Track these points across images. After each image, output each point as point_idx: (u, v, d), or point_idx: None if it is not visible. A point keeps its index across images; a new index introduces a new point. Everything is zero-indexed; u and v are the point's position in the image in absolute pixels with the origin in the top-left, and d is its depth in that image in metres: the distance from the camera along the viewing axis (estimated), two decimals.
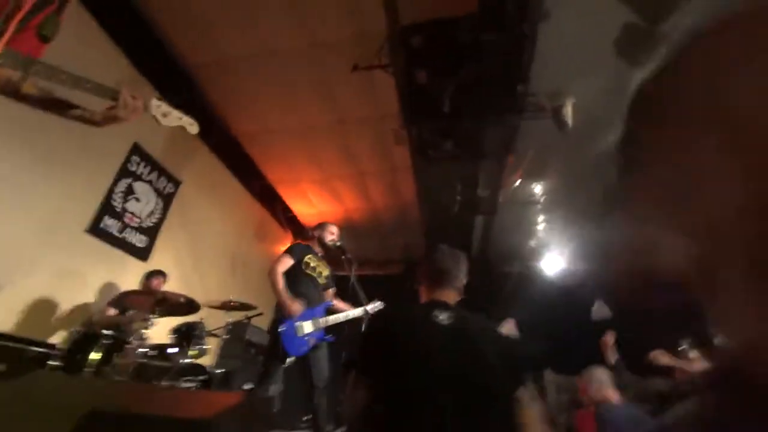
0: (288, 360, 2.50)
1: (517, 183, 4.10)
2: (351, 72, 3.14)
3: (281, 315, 2.56)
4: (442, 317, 1.19)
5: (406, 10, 2.77)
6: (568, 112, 2.78)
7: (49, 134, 2.67)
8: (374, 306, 2.80)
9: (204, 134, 4.06)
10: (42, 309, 2.70)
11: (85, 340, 2.36)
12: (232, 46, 3.32)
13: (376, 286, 3.32)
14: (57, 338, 2.65)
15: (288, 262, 2.68)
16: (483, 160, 3.63)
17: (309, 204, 5.60)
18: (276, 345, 2.51)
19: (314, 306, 2.69)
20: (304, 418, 3.91)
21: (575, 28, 2.61)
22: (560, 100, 2.76)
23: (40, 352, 2.26)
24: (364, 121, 3.98)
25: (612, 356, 2.86)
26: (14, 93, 1.25)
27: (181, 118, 1.49)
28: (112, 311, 2.67)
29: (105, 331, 2.35)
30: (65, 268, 2.86)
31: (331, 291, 3.00)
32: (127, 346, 2.42)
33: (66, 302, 2.86)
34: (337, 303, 2.91)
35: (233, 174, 4.83)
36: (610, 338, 2.99)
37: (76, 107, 1.31)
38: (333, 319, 2.69)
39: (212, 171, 4.52)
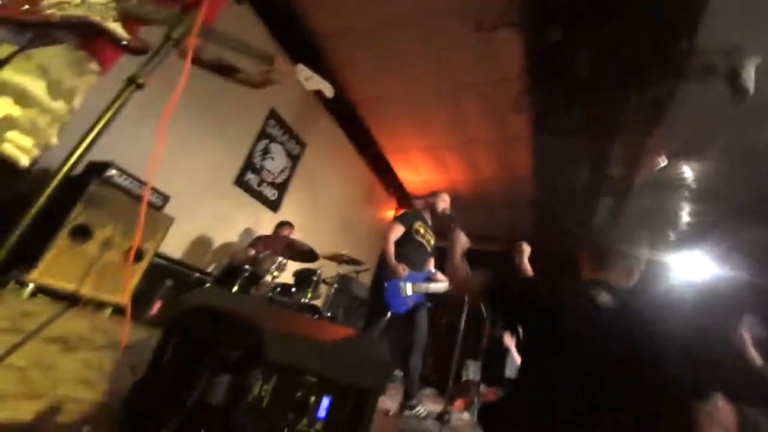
0: (389, 315, 2.68)
1: (663, 163, 3.47)
2: (474, 32, 2.96)
3: (383, 275, 2.72)
4: (604, 298, 1.11)
5: None
6: (750, 74, 2.20)
7: (211, 101, 3.19)
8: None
9: (327, 102, 4.41)
10: (201, 243, 3.37)
11: (230, 272, 2.89)
12: (358, 17, 3.44)
13: (478, 261, 3.26)
14: (210, 267, 3.29)
15: (400, 230, 2.81)
16: (620, 134, 3.15)
17: (415, 171, 5.68)
18: (379, 299, 2.69)
19: (419, 270, 2.79)
20: (396, 373, 4.20)
21: None
22: (739, 59, 2.19)
23: (199, 277, 2.85)
24: (482, 87, 3.78)
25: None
26: (197, 60, 1.51)
27: (321, 82, 1.63)
28: (252, 251, 3.18)
29: (246, 266, 2.83)
30: (219, 212, 3.48)
31: (431, 260, 3.07)
32: (261, 281, 2.88)
33: (218, 239, 3.51)
34: (437, 274, 2.97)
35: (350, 140, 5.14)
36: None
37: (241, 71, 1.53)
38: (433, 287, 2.76)
39: (332, 136, 4.89)
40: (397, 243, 2.75)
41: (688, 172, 3.54)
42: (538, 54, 2.85)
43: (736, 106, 2.44)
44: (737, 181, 3.46)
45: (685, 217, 4.19)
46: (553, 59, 2.77)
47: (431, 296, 2.87)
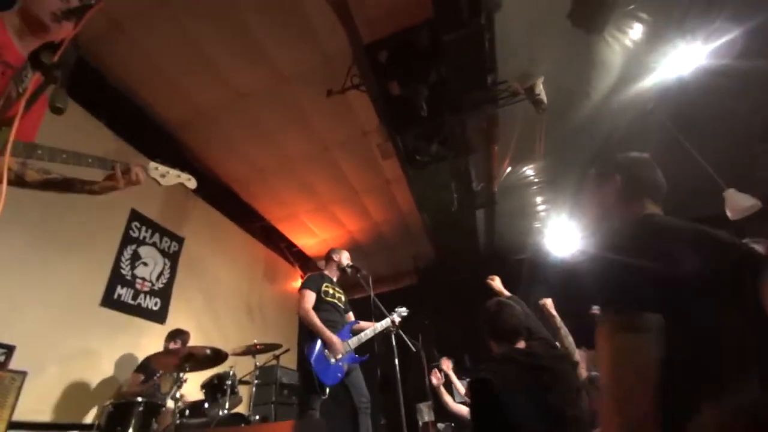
0: (327, 390, 2.49)
1: (508, 170, 4.16)
2: (326, 98, 3.22)
3: (307, 349, 2.56)
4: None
5: (365, 29, 2.88)
6: (541, 90, 2.86)
7: (48, 217, 2.73)
8: (400, 312, 2.81)
9: (197, 188, 4.15)
10: (73, 390, 2.69)
11: (119, 413, 2.34)
12: (205, 99, 3.43)
13: (394, 300, 3.33)
14: (91, 417, 2.63)
15: (312, 297, 2.71)
16: (470, 155, 3.69)
17: (311, 234, 5.63)
18: (310, 379, 2.49)
19: (339, 330, 2.69)
20: None
21: (528, 9, 2.72)
22: (530, 81, 2.84)
23: None
24: (348, 143, 4.06)
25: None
26: (19, 182, 1.30)
27: (179, 176, 1.54)
28: (140, 378, 2.65)
29: (138, 399, 2.33)
30: (88, 346, 2.86)
31: (350, 315, 3.01)
32: (163, 409, 2.40)
33: (95, 378, 2.85)
34: (359, 324, 2.92)
35: (232, 220, 4.88)
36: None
37: (78, 183, 1.36)
38: (363, 336, 2.70)
39: (211, 222, 4.57)
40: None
41: (528, 170, 4.30)
42: (385, 105, 3.22)
43: (541, 114, 3.11)
44: (565, 163, 4.32)
45: (539, 207, 5.02)
46: (398, 106, 3.16)
47: (365, 346, 2.78)
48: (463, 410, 3.19)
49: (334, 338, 2.51)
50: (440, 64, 2.83)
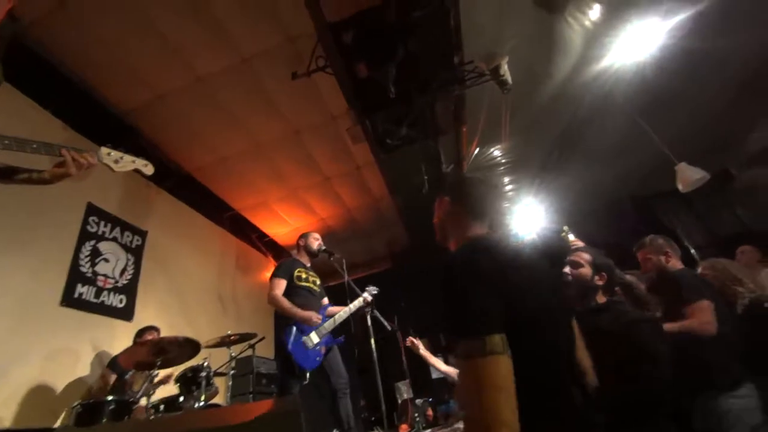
0: (307, 375, 2.49)
1: (477, 151, 4.23)
2: (291, 80, 3.12)
3: (284, 336, 2.54)
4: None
5: (329, 8, 2.80)
6: (506, 70, 2.90)
7: None
8: (370, 290, 2.84)
9: (159, 178, 3.97)
10: (38, 394, 2.55)
11: (88, 413, 2.25)
12: (162, 83, 3.24)
13: (369, 284, 3.35)
14: (61, 420, 2.51)
15: (282, 283, 2.68)
16: (439, 137, 3.71)
17: (283, 223, 5.54)
18: (289, 365, 2.49)
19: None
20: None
21: None
22: (496, 61, 2.87)
23: None
24: (316, 127, 3.98)
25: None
26: None
27: (134, 161, 1.47)
28: (111, 377, 2.55)
29: (108, 398, 2.25)
30: (51, 347, 2.71)
31: (325, 300, 3.01)
32: (136, 406, 2.33)
33: (61, 381, 2.72)
34: (333, 308, 2.92)
35: (199, 211, 4.71)
36: None
37: (23, 171, 1.26)
38: (338, 317, 2.71)
39: (176, 213, 4.39)
40: (285, 295, 2.61)
41: (496, 151, 4.39)
42: (353, 87, 3.16)
43: (507, 93, 3.16)
44: (531, 144, 4.44)
45: (508, 186, 5.16)
46: (367, 89, 3.12)
47: (341, 328, 2.80)
48: (452, 371, 3.24)
49: (307, 313, 2.50)
50: (407, 43, 2.80)
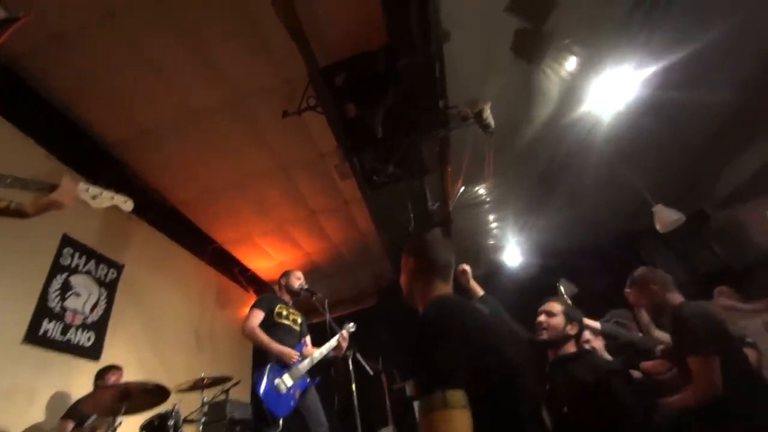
0: (280, 422, 2.35)
1: (461, 189, 4.31)
2: (282, 118, 3.19)
3: (255, 380, 2.42)
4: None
5: (322, 52, 2.92)
6: (488, 114, 3.03)
7: None
8: (348, 327, 2.76)
9: (140, 210, 3.90)
10: None
11: None
12: (151, 116, 3.25)
13: (353, 322, 3.27)
14: None
15: (259, 315, 2.59)
16: (425, 175, 3.79)
17: (267, 257, 5.44)
18: (262, 412, 2.35)
19: None
20: None
21: (475, 41, 2.91)
22: (479, 106, 3.00)
23: None
24: (304, 164, 4.02)
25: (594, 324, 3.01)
26: None
27: (113, 198, 1.44)
28: (69, 425, 2.36)
29: None
30: (7, 389, 2.50)
31: (308, 338, 2.91)
32: None
33: (15, 425, 2.48)
34: (308, 348, 2.82)
35: (179, 244, 4.60)
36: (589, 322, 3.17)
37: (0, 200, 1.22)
38: (315, 357, 2.60)
39: (156, 246, 4.27)
40: (264, 331, 2.51)
41: (480, 190, 4.50)
42: (342, 127, 3.25)
43: (490, 137, 3.29)
44: (514, 183, 4.56)
45: (492, 224, 5.23)
46: (355, 128, 3.20)
47: (317, 370, 2.68)
48: None
49: (284, 348, 2.39)
50: (395, 88, 2.92)
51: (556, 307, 1.90)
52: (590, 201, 4.89)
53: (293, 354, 2.43)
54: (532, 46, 2.85)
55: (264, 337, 2.45)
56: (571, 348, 1.82)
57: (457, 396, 0.80)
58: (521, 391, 0.93)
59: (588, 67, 3.23)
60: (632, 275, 2.21)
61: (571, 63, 3.19)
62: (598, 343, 2.56)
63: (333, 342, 2.72)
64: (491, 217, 5.17)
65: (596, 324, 2.46)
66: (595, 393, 1.57)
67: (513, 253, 5.66)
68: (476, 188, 4.49)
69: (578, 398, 1.58)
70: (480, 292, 2.16)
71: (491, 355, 0.93)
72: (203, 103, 3.24)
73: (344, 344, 2.72)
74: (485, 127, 3.02)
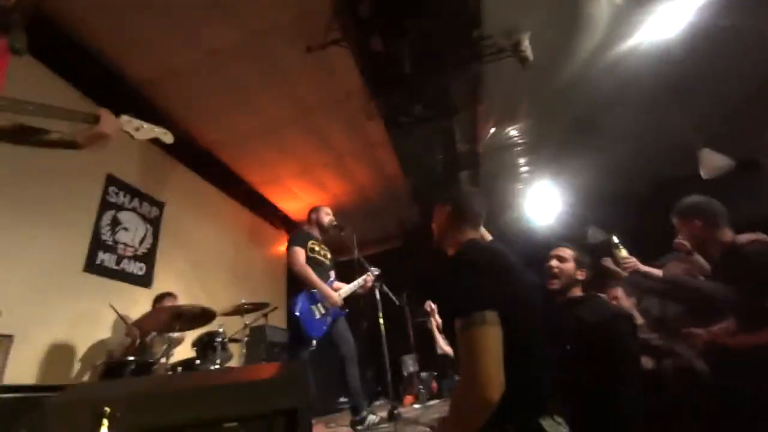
0: (313, 343, 2.58)
1: (492, 130, 4.15)
2: (306, 53, 3.08)
3: (292, 303, 2.62)
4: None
5: None
6: (527, 46, 2.81)
7: (19, 185, 2.62)
8: (373, 271, 2.89)
9: (175, 151, 4.03)
10: (62, 354, 2.72)
11: (109, 372, 2.40)
12: (175, 57, 3.23)
13: (380, 263, 3.39)
14: (83, 379, 2.69)
15: (302, 253, 2.74)
16: (455, 115, 3.65)
17: (296, 198, 5.60)
18: (298, 332, 2.58)
19: None
20: (340, 400, 4.06)
21: None
22: (516, 36, 2.78)
23: None
24: (330, 103, 3.95)
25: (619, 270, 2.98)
26: None
27: (153, 129, 1.50)
28: (130, 339, 2.70)
29: (129, 358, 2.39)
30: (74, 310, 2.86)
31: (332, 273, 3.07)
32: (154, 367, 2.47)
33: (84, 343, 2.89)
34: (337, 284, 2.99)
35: (214, 185, 4.79)
36: (608, 261, 3.08)
37: (53, 132, 1.30)
38: (342, 293, 2.77)
39: (193, 186, 4.48)
40: None
41: (512, 131, 4.30)
42: (369, 63, 3.12)
43: (526, 71, 3.07)
44: (549, 124, 4.33)
45: (523, 168, 5.07)
46: (382, 64, 3.07)
47: (346, 301, 2.88)
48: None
49: (330, 291, 2.59)
50: (425, 16, 2.73)
51: (567, 252, 1.93)
52: (630, 145, 4.58)
53: (337, 300, 2.60)
54: None
55: (314, 277, 2.62)
56: (577, 292, 1.89)
57: (492, 315, 0.95)
58: (534, 331, 1.07)
59: None
60: (678, 204, 2.01)
61: None
62: (628, 303, 2.51)
63: (360, 281, 2.87)
64: (522, 161, 5.00)
65: (657, 272, 2.27)
66: (600, 335, 1.61)
67: (543, 198, 5.52)
68: (508, 129, 4.29)
69: (582, 338, 1.63)
70: (489, 237, 2.20)
71: (514, 293, 1.06)
72: (223, 43, 3.16)
73: (369, 284, 2.87)
74: (523, 60, 2.82)
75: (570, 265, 1.89)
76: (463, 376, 0.94)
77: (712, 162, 3.72)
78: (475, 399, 0.88)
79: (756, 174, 4.89)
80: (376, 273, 2.96)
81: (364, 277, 2.90)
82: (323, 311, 2.61)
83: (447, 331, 1.32)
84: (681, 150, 4.27)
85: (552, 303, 1.90)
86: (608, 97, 3.90)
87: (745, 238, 1.76)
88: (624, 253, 2.28)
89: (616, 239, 2.33)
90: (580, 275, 1.90)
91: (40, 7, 2.72)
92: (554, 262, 1.90)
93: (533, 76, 3.32)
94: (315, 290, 2.64)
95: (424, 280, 3.24)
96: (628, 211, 4.98)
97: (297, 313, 2.52)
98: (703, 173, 3.78)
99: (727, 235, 1.82)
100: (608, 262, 3.03)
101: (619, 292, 2.52)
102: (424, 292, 3.99)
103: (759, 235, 1.76)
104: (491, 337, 0.93)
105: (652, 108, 3.98)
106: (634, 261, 2.26)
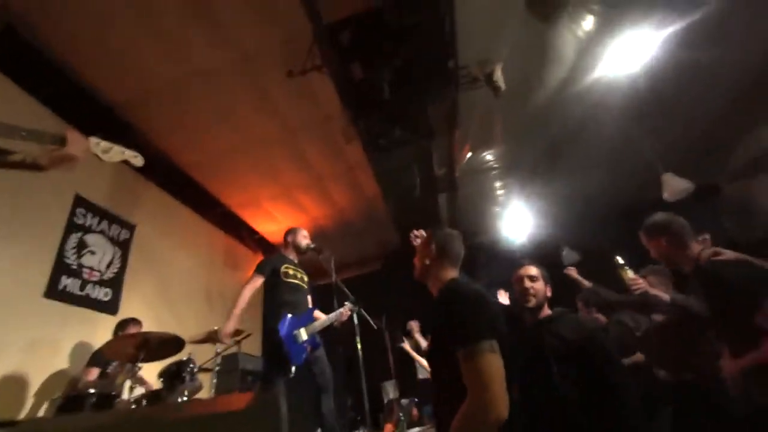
0: (293, 369, 2.48)
1: (469, 155, 4.27)
2: (287, 77, 3.13)
3: (279, 324, 2.53)
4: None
5: (327, 9, 2.81)
6: (499, 76, 2.95)
7: None
8: (348, 306, 2.84)
9: (149, 172, 3.93)
10: (15, 386, 2.52)
11: (68, 406, 2.23)
12: (156, 77, 3.20)
13: (359, 286, 3.36)
14: (44, 412, 2.48)
15: (258, 281, 2.67)
16: (432, 139, 3.74)
17: (274, 221, 5.52)
18: (276, 357, 2.48)
19: (303, 311, 2.70)
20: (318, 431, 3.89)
21: None
22: (490, 67, 2.91)
23: None
24: (310, 126, 3.98)
25: (584, 281, 3.06)
26: None
27: (123, 152, 1.46)
28: (93, 371, 2.53)
29: (90, 391, 2.23)
30: (31, 339, 2.67)
31: (308, 298, 3.01)
32: (117, 400, 2.31)
33: (40, 374, 2.68)
34: (317, 313, 2.93)
35: (188, 206, 4.67)
36: (571, 270, 3.16)
37: (16, 153, 1.24)
38: (319, 324, 2.71)
39: (166, 208, 4.36)
40: (272, 290, 2.61)
41: (487, 155, 4.44)
42: (348, 88, 3.18)
43: (499, 100, 3.21)
44: (523, 148, 4.48)
45: (498, 191, 5.21)
46: (361, 89, 3.13)
47: (321, 332, 2.80)
48: None
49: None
50: (403, 46, 2.83)
51: (534, 270, 1.92)
52: (600, 168, 4.81)
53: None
54: (548, 4, 2.71)
55: (241, 300, 2.57)
56: (546, 310, 1.88)
57: (496, 344, 1.09)
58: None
59: (606, 27, 3.08)
60: (644, 223, 2.00)
61: (588, 22, 3.04)
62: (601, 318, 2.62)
63: (332, 316, 2.81)
64: (498, 184, 5.14)
65: (665, 296, 2.08)
66: (585, 351, 1.62)
67: (518, 220, 5.67)
68: (484, 153, 4.43)
69: (567, 357, 1.63)
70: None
71: (498, 325, 1.19)
72: (206, 65, 3.17)
73: (345, 318, 2.82)
74: (495, 89, 2.95)
75: (541, 283, 1.90)
76: (475, 400, 1.03)
77: (674, 185, 3.94)
78: (490, 419, 0.98)
79: (715, 196, 5.19)
80: (353, 307, 2.89)
81: (340, 310, 2.84)
82: (305, 337, 2.53)
83: (435, 355, 1.34)
84: (647, 175, 4.50)
85: (521, 323, 1.90)
86: (577, 124, 4.11)
87: (706, 254, 1.79)
88: (631, 273, 2.10)
89: (621, 260, 2.15)
90: (549, 292, 1.92)
91: (12, 20, 2.66)
92: (527, 283, 1.89)
93: (507, 104, 3.47)
94: (297, 315, 2.57)
95: (426, 312, 3.23)
96: (596, 233, 5.17)
97: (282, 336, 2.42)
98: (666, 195, 3.99)
99: (695, 249, 1.84)
100: (572, 271, 3.11)
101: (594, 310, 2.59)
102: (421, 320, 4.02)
103: (720, 250, 1.80)
104: (497, 362, 1.05)
105: (618, 135, 4.21)
106: (643, 283, 2.07)
